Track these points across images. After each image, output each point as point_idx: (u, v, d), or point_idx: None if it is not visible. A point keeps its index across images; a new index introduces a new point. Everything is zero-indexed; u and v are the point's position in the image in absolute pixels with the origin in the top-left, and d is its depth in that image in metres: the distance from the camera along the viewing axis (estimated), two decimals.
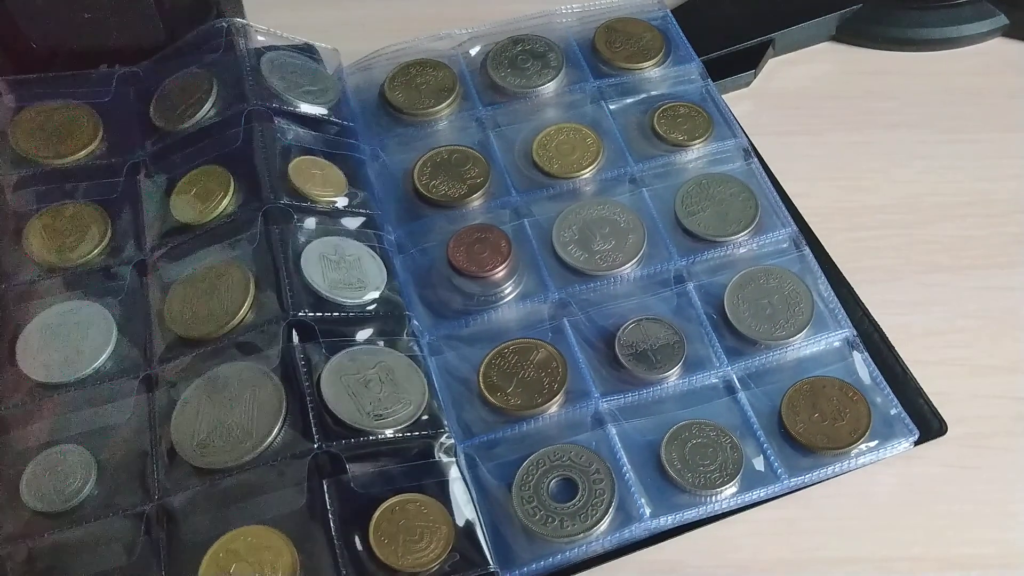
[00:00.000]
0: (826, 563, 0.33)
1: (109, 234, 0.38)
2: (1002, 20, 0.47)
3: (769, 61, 0.47)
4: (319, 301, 0.35)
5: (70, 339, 0.35)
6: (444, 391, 0.35)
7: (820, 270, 0.38)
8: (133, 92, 0.41)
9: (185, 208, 0.37)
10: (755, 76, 0.46)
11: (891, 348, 0.37)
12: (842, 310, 0.37)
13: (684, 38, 0.45)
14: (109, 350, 0.34)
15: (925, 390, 0.36)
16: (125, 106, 0.41)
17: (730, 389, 0.36)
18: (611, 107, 0.43)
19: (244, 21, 0.41)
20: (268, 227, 0.36)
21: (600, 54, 0.45)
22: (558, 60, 0.45)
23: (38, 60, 0.42)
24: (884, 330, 0.38)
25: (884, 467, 0.35)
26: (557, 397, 0.35)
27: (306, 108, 0.40)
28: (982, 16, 0.47)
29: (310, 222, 0.37)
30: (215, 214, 0.37)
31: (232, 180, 0.37)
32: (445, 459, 0.33)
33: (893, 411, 0.35)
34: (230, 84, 0.40)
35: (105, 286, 0.36)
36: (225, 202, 0.37)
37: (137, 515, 0.31)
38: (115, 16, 0.41)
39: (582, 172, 0.41)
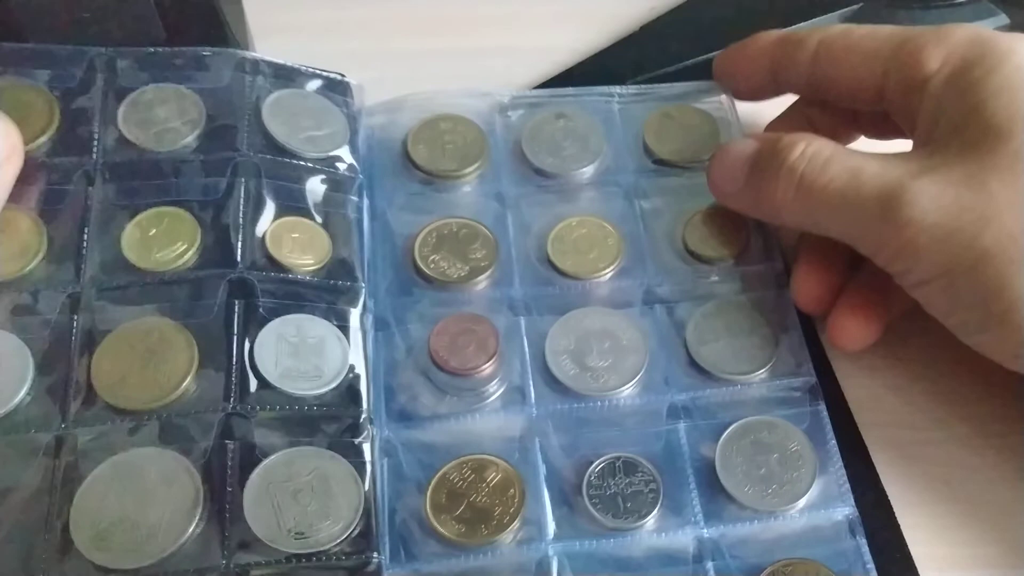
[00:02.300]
0: None
1: (43, 250, 0.33)
2: (1003, 19, 0.46)
3: None
4: (266, 392, 0.32)
5: None
6: (389, 500, 0.33)
7: (832, 431, 0.34)
8: (105, 83, 0.37)
9: (139, 249, 0.34)
10: None
11: (900, 536, 0.33)
12: (847, 484, 0.33)
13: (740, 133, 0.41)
14: (22, 394, 0.31)
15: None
16: (92, 99, 0.36)
17: (701, 556, 0.32)
18: (644, 206, 0.39)
19: (258, 56, 0.38)
20: (230, 299, 0.33)
21: (647, 145, 0.41)
22: (599, 144, 0.41)
23: None
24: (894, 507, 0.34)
25: (884, 467, 0.34)
26: (506, 532, 0.32)
27: (306, 157, 0.37)
28: (982, 16, 0.46)
29: (277, 296, 0.34)
30: (172, 266, 0.34)
31: (200, 234, 0.35)
32: None
33: None
34: (223, 121, 0.37)
35: (28, 318, 0.32)
36: (187, 256, 0.34)
37: None
38: (115, 16, 0.38)
39: (595, 275, 0.37)
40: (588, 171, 0.40)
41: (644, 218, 0.39)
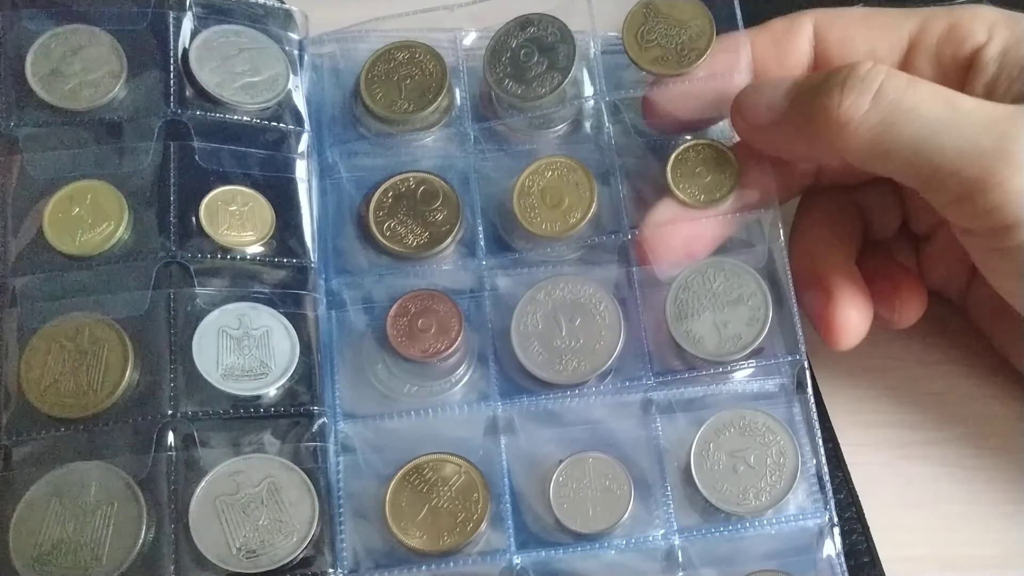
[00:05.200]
0: None
1: None
2: None
3: None
4: (209, 393, 0.30)
5: None
6: (346, 504, 0.31)
7: (819, 428, 0.32)
8: (4, 25, 0.33)
9: (62, 231, 0.31)
10: None
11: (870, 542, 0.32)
12: (827, 488, 0.31)
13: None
14: None
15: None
16: None
17: (672, 566, 0.31)
18: (620, 139, 0.35)
19: None
20: (163, 289, 0.31)
21: (627, 52, 0.34)
22: (567, 58, 0.34)
23: None
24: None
25: (884, 467, 0.34)
26: (469, 540, 0.30)
27: (243, 110, 0.33)
28: None
29: (215, 283, 0.31)
30: (100, 250, 0.31)
31: (127, 211, 0.31)
32: None
33: None
34: (147, 71, 0.33)
35: None
36: (116, 237, 0.31)
37: None
38: None
39: (566, 233, 0.33)
40: (553, 97, 0.34)
41: (620, 152, 0.34)
